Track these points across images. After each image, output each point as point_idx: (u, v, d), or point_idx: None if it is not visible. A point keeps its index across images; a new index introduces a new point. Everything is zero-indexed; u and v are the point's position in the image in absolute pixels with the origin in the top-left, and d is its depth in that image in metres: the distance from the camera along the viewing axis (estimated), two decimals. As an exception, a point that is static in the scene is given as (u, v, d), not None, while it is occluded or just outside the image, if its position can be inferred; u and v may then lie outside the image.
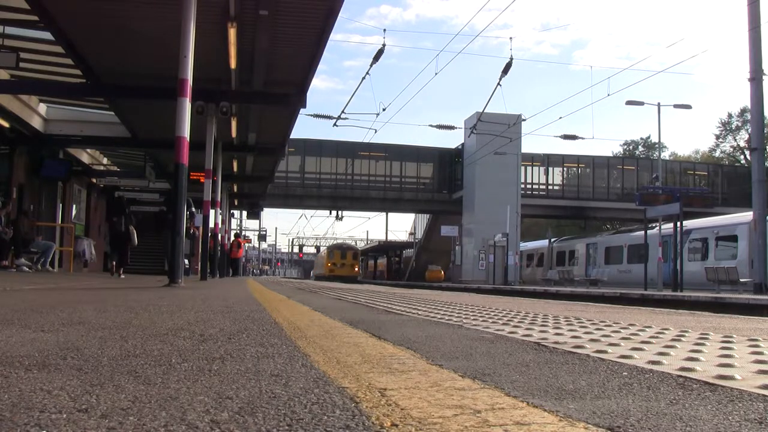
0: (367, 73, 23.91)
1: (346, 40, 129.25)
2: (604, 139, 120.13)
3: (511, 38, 26.22)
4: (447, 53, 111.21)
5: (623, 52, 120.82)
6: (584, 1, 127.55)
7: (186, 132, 8.53)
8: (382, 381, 1.51)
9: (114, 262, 14.04)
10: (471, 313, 4.14)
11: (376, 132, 68.00)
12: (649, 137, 67.41)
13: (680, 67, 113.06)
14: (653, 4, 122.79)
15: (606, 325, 3.31)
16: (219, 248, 21.63)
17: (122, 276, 13.41)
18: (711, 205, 26.45)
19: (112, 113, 17.69)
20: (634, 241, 29.10)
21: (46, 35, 12.49)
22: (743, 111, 55.60)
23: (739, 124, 59.88)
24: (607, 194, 43.85)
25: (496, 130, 32.24)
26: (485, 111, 27.94)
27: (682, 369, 1.76)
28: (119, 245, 13.82)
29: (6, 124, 16.59)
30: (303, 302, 5.25)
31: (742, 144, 56.98)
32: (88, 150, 23.21)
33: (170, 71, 9.23)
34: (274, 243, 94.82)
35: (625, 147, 68.53)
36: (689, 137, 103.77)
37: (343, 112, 25.01)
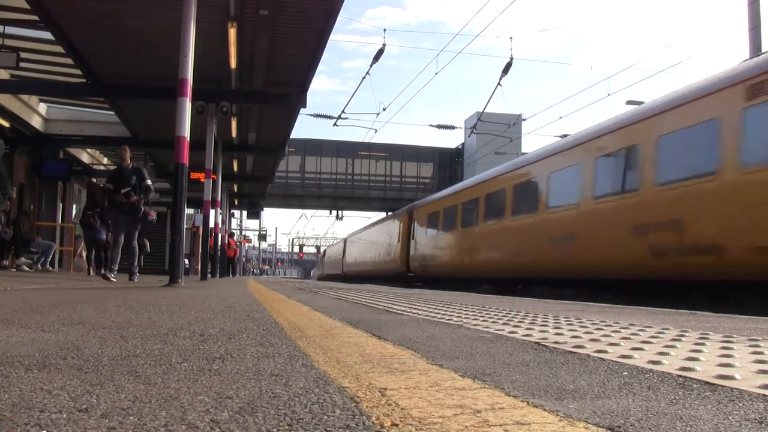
0: (367, 73, 23.89)
1: (346, 41, 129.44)
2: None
3: (511, 38, 26.13)
4: (447, 53, 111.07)
5: (623, 52, 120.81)
6: (584, 3, 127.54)
7: (186, 132, 8.54)
8: (382, 381, 1.51)
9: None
10: (471, 313, 4.14)
11: (376, 132, 68.11)
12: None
13: (680, 67, 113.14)
14: (653, 5, 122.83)
15: (606, 325, 3.31)
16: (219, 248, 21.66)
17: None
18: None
19: (112, 113, 17.71)
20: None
21: (46, 35, 12.50)
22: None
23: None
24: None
25: (496, 130, 32.22)
26: (485, 111, 27.91)
27: (683, 369, 1.76)
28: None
29: (6, 124, 16.60)
30: (303, 302, 5.24)
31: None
32: (88, 150, 23.22)
33: (170, 71, 9.24)
34: (274, 243, 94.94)
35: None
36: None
37: (343, 111, 24.96)
